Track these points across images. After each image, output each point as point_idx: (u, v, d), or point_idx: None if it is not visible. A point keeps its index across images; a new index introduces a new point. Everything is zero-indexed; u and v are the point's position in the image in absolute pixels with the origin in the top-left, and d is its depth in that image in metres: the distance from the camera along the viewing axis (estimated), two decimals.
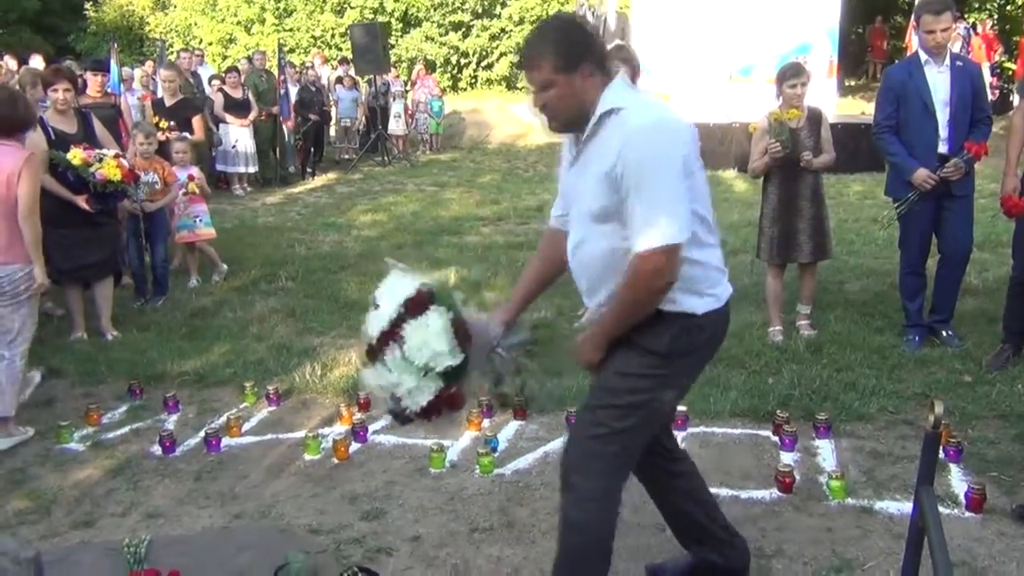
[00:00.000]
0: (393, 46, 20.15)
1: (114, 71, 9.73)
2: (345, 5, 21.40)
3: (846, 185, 10.26)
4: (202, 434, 4.17)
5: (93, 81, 7.19)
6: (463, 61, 21.52)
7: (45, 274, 4.30)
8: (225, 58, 20.82)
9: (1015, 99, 13.38)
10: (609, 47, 5.71)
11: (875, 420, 4.10)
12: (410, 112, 15.88)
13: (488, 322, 2.55)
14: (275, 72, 12.69)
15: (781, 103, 5.00)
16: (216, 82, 11.80)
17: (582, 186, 2.42)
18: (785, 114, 4.92)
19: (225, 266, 7.13)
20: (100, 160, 5.42)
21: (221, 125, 11.28)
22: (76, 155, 5.33)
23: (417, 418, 2.47)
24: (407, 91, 16.31)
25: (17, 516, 3.54)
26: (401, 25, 21.50)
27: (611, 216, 2.33)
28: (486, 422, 4.24)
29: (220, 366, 5.12)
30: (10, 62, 11.06)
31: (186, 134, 7.73)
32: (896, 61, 9.09)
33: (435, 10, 21.14)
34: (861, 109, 14.30)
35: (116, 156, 5.55)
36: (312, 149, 13.45)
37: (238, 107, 11.32)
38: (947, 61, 4.79)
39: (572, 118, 2.42)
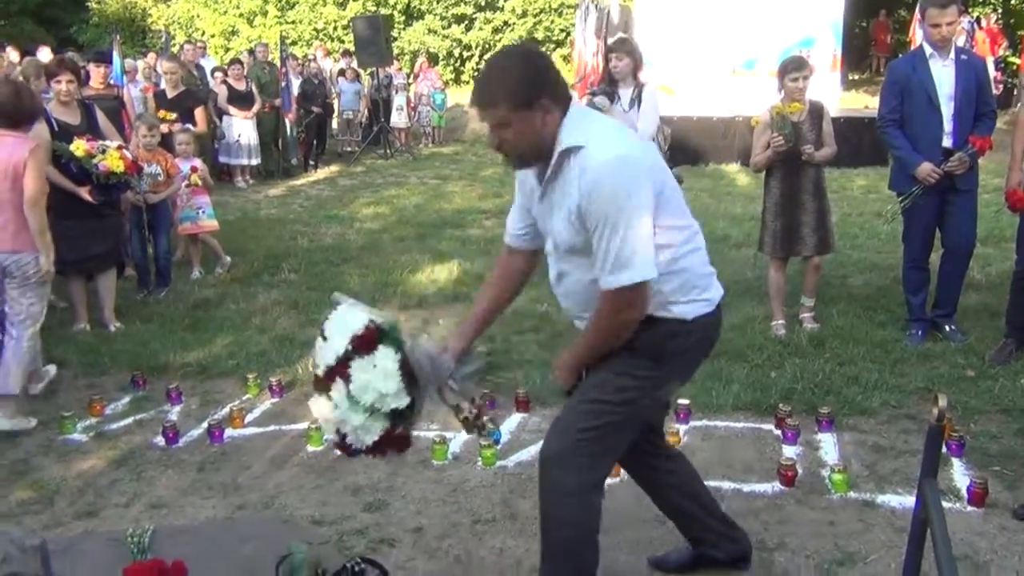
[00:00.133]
0: (396, 39, 20.12)
1: (117, 63, 9.73)
2: None
3: (849, 179, 10.24)
4: (205, 425, 4.18)
5: (96, 73, 7.19)
6: (466, 54, 21.48)
7: (51, 262, 4.36)
8: (228, 50, 20.81)
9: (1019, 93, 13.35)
10: (612, 40, 5.72)
11: (877, 414, 4.10)
12: (412, 105, 15.85)
13: (440, 355, 2.49)
14: (278, 64, 12.68)
15: (783, 97, 4.99)
16: (219, 74, 11.78)
17: (552, 223, 2.40)
18: (787, 108, 4.91)
19: (228, 258, 7.14)
20: (103, 152, 5.42)
21: (224, 117, 11.27)
22: (79, 146, 5.33)
23: (363, 454, 2.44)
24: (409, 84, 16.27)
25: (20, 506, 3.55)
26: (404, 18, 21.47)
27: (585, 250, 2.32)
28: (488, 414, 4.24)
29: (223, 358, 5.13)
30: (12, 54, 11.05)
31: (189, 126, 7.73)
32: (900, 55, 9.07)
33: (438, 3, 21.12)
34: (865, 103, 14.29)
35: (119, 148, 5.54)
36: (315, 142, 13.44)
37: (241, 99, 11.31)
38: (952, 55, 4.78)
39: (531, 156, 2.37)
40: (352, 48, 15.34)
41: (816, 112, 5.00)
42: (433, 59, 19.73)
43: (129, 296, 6.31)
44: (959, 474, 3.53)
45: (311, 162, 13.17)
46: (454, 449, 3.90)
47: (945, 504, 3.04)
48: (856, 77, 18.95)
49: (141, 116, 7.09)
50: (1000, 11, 17.30)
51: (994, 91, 8.46)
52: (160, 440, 4.09)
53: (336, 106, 14.84)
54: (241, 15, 22.07)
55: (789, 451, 3.75)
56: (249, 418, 4.33)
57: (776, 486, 3.48)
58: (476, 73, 21.37)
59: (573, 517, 2.42)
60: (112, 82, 8.00)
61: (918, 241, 4.99)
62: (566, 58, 19.81)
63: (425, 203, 10.05)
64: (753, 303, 5.63)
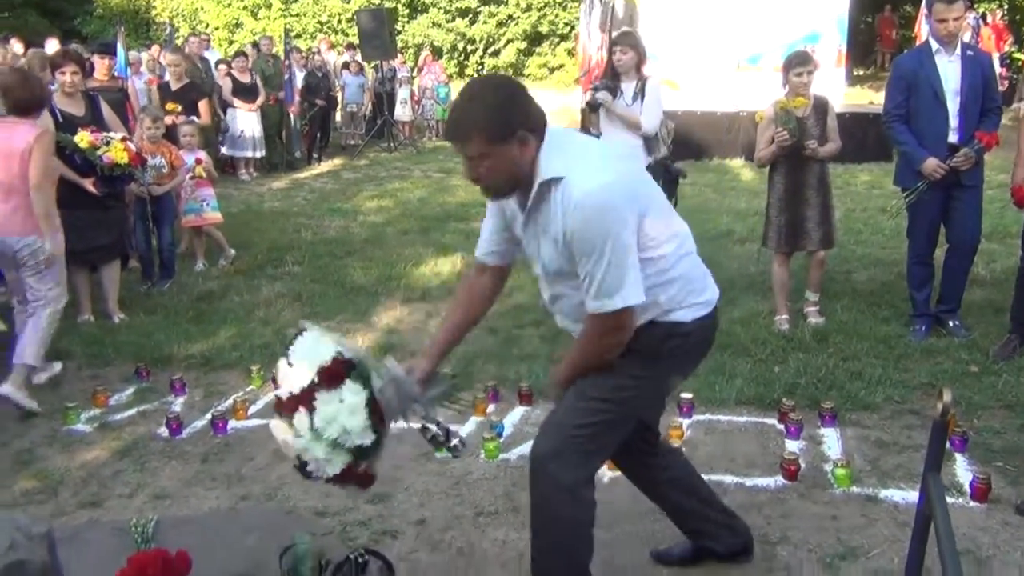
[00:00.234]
0: (400, 32, 20.12)
1: (121, 55, 9.72)
2: None
3: (854, 175, 10.22)
4: (209, 416, 4.19)
5: (100, 64, 7.18)
6: (470, 48, 21.48)
7: (55, 245, 4.46)
8: (231, 43, 20.81)
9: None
10: (616, 33, 5.71)
11: (881, 409, 4.10)
12: (416, 98, 15.85)
13: (406, 379, 2.46)
14: (282, 57, 12.67)
15: (787, 91, 4.98)
16: (222, 67, 11.77)
17: (539, 249, 2.40)
18: (791, 102, 4.90)
19: (232, 251, 7.14)
20: (107, 143, 5.42)
21: (229, 110, 11.27)
22: (83, 138, 5.33)
23: (325, 482, 2.41)
24: (413, 77, 16.27)
25: (25, 496, 3.57)
26: (408, 11, 21.46)
27: (575, 274, 2.32)
28: (491, 407, 4.25)
29: (227, 349, 5.14)
30: (16, 45, 11.05)
31: (194, 118, 7.72)
32: (905, 51, 9.04)
33: None
34: (869, 99, 14.25)
35: (123, 139, 5.55)
36: (318, 135, 13.44)
37: (246, 92, 11.31)
38: (958, 50, 4.77)
39: (509, 188, 2.35)
40: (356, 41, 15.32)
41: (821, 107, 4.98)
42: (437, 52, 19.73)
43: (133, 288, 6.32)
44: (962, 469, 3.53)
45: (315, 155, 13.17)
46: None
47: (948, 499, 3.04)
48: (861, 73, 18.90)
49: (145, 108, 7.08)
50: (1006, 7, 17.25)
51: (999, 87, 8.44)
52: (164, 431, 4.10)
53: (340, 99, 14.83)
54: (245, 7, 22.07)
55: (792, 445, 3.75)
56: (252, 410, 4.33)
57: (779, 480, 3.48)
58: (479, 67, 21.39)
59: (567, 513, 2.40)
60: (116, 74, 7.99)
61: (923, 237, 4.98)
62: (571, 52, 19.81)
63: (429, 196, 10.05)
64: (757, 298, 5.63)
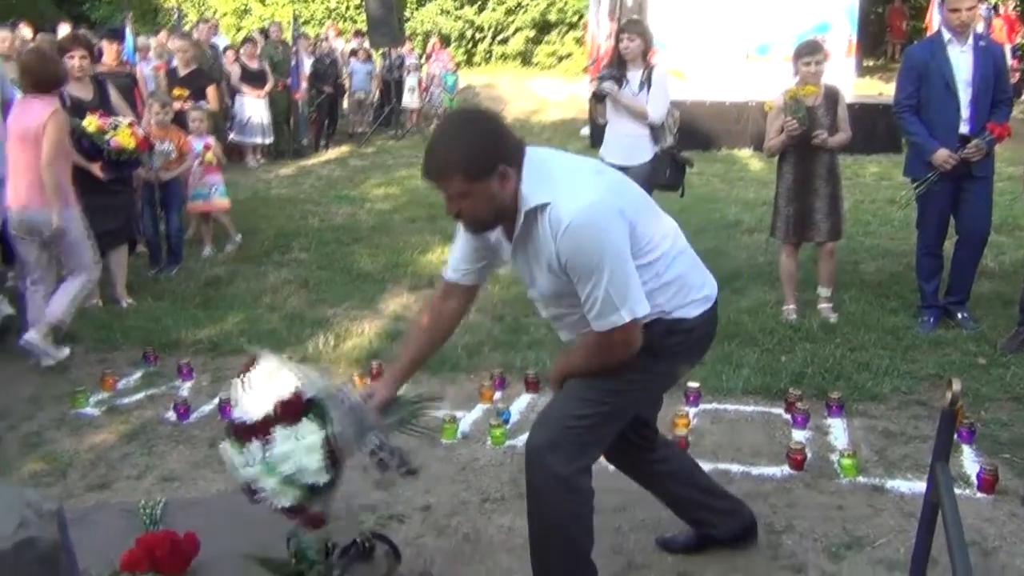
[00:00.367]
0: (408, 19, 20.07)
1: (129, 40, 9.72)
2: None
3: (863, 166, 10.18)
4: (216, 401, 4.20)
5: (109, 49, 7.18)
6: (478, 35, 21.41)
7: (61, 219, 4.58)
8: (239, 29, 20.77)
9: None
10: (624, 21, 5.68)
11: (888, 400, 4.09)
12: (424, 86, 15.81)
13: (365, 409, 2.45)
14: (290, 44, 12.64)
15: (798, 81, 4.95)
16: (231, 53, 11.76)
17: (533, 276, 2.39)
18: (801, 91, 4.87)
19: (239, 236, 7.15)
20: (115, 128, 5.42)
21: (237, 96, 11.26)
22: (91, 122, 5.33)
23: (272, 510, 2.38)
24: (421, 65, 16.22)
25: (33, 478, 3.58)
26: None
27: (572, 295, 2.31)
28: (498, 394, 4.26)
29: (234, 335, 5.15)
30: (25, 30, 11.05)
31: (203, 103, 7.72)
32: (915, 42, 8.98)
33: None
34: (879, 90, 14.20)
35: (131, 124, 5.55)
36: (326, 122, 13.42)
37: (254, 78, 11.29)
38: (970, 41, 4.74)
39: (492, 222, 2.32)
40: (364, 28, 15.28)
41: (831, 97, 4.95)
42: (445, 40, 19.66)
43: (141, 273, 6.34)
44: (969, 461, 3.52)
45: (322, 142, 13.16)
46: (464, 428, 3.91)
47: (955, 490, 3.04)
48: (871, 64, 18.80)
49: (154, 94, 7.09)
50: None
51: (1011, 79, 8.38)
52: (171, 415, 4.12)
53: (347, 87, 14.80)
54: None
55: (798, 435, 3.75)
56: None
57: (785, 470, 3.48)
58: (487, 55, 21.33)
59: (564, 505, 2.39)
60: (125, 59, 7.99)
61: (932, 228, 4.96)
62: (579, 41, 19.73)
63: None
64: (764, 288, 5.62)
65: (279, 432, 2.27)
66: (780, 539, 3.00)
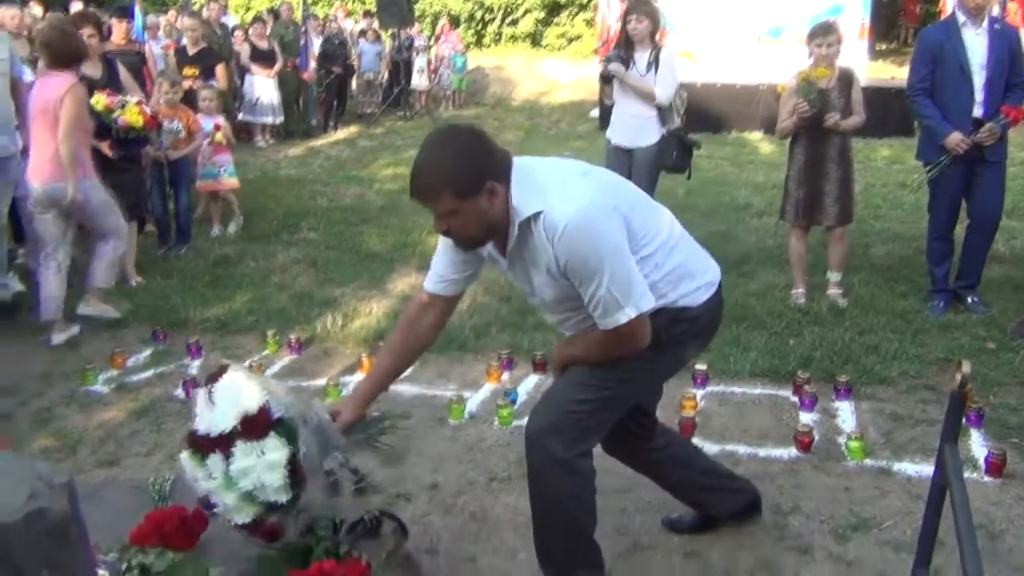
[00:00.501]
0: (417, 0, 19.95)
1: (138, 19, 9.72)
2: None
3: (874, 150, 10.12)
4: None
5: (118, 28, 7.17)
6: (487, 16, 21.30)
7: (77, 189, 4.64)
8: (248, 9, 20.71)
9: None
10: (632, 2, 5.63)
11: (896, 384, 4.08)
12: (433, 67, 15.76)
13: (331, 430, 2.42)
14: (300, 23, 12.61)
15: (812, 63, 4.91)
16: (239, 33, 11.73)
17: (534, 284, 2.37)
18: (813, 73, 4.83)
19: (242, 217, 7.13)
20: (123, 106, 5.43)
21: (247, 76, 11.24)
22: (99, 100, 5.33)
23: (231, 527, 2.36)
24: (430, 46, 16.17)
25: (43, 454, 3.61)
26: None
27: (575, 298, 2.30)
28: (506, 375, 4.27)
29: (242, 314, 5.16)
30: (35, 8, 11.04)
31: (213, 82, 7.72)
32: (928, 25, 8.88)
33: None
34: (892, 73, 14.06)
35: (139, 103, 5.55)
36: (335, 102, 13.40)
37: (264, 58, 11.28)
38: (985, 23, 4.69)
39: (483, 238, 2.31)
40: (373, 9, 15.21)
41: (845, 80, 4.90)
42: (455, 21, 19.57)
43: (150, 252, 6.36)
44: (977, 445, 3.51)
45: (331, 123, 13.15)
46: (471, 408, 3.92)
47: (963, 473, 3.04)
48: (884, 47, 18.64)
49: (164, 72, 7.08)
50: None
51: None
52: (180, 393, 4.14)
53: (357, 67, 14.77)
54: None
55: (806, 418, 3.74)
56: (268, 373, 4.36)
57: (792, 452, 3.48)
58: (496, 36, 21.21)
59: (565, 487, 2.39)
60: (134, 38, 7.99)
61: (944, 212, 4.93)
62: (589, 23, 19.62)
63: None
64: (774, 271, 5.60)
65: (241, 446, 2.24)
66: (786, 520, 3.00)
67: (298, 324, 4.96)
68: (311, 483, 2.32)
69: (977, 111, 4.68)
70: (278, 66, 11.41)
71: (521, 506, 3.11)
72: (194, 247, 6.53)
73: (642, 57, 5.41)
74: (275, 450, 2.23)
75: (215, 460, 2.27)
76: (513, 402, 3.90)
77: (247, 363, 4.42)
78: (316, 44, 12.83)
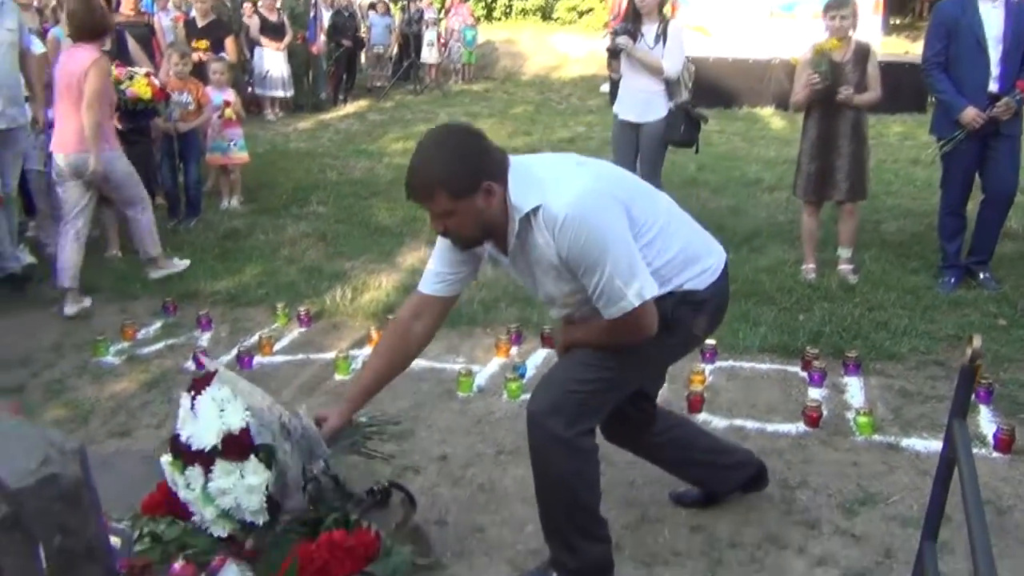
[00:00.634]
0: None
1: None
2: None
3: (887, 125, 10.04)
4: (235, 352, 4.24)
5: None
6: None
7: (99, 161, 4.74)
8: None
9: None
10: None
11: (906, 360, 4.07)
12: (443, 40, 15.66)
13: (315, 438, 2.42)
14: None
15: (827, 36, 4.86)
16: (247, 5, 11.67)
17: (537, 280, 2.36)
18: (826, 45, 4.78)
19: (242, 196, 7.08)
20: (131, 78, 5.42)
21: (256, 49, 11.20)
22: None
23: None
24: (440, 19, 16.07)
25: (56, 424, 3.63)
26: None
27: (581, 290, 2.29)
28: (514, 349, 4.27)
29: (252, 287, 5.18)
30: None
31: (224, 55, 7.69)
32: None
33: None
34: (906, 48, 13.93)
35: (147, 75, 5.54)
36: (344, 76, 13.34)
37: (274, 31, 11.22)
38: None
39: (481, 237, 2.30)
40: None
41: (861, 54, 4.85)
42: None
43: (160, 225, 6.33)
44: (986, 421, 3.51)
45: (340, 96, 13.10)
46: (479, 382, 3.93)
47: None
48: (897, 22, 18.44)
49: (173, 44, 7.05)
50: None
51: None
52: (191, 365, 4.15)
53: (366, 40, 14.69)
54: None
55: (815, 393, 3.74)
56: (278, 346, 4.38)
57: (800, 427, 3.48)
58: (507, 10, 21.03)
59: (567, 465, 2.38)
60: (143, 9, 7.95)
61: (957, 187, 4.89)
62: None
63: None
64: (784, 247, 5.58)
65: (222, 465, 2.25)
66: (794, 494, 3.01)
67: (307, 297, 4.97)
68: (291, 498, 2.33)
69: (993, 86, 4.63)
70: (288, 39, 11.36)
71: (529, 478, 3.10)
72: (204, 220, 6.54)
73: (650, 30, 5.36)
74: (255, 474, 2.24)
75: (194, 473, 2.29)
76: (522, 376, 3.90)
77: (256, 336, 4.44)
78: (326, 17, 12.76)
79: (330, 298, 4.94)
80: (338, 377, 4.01)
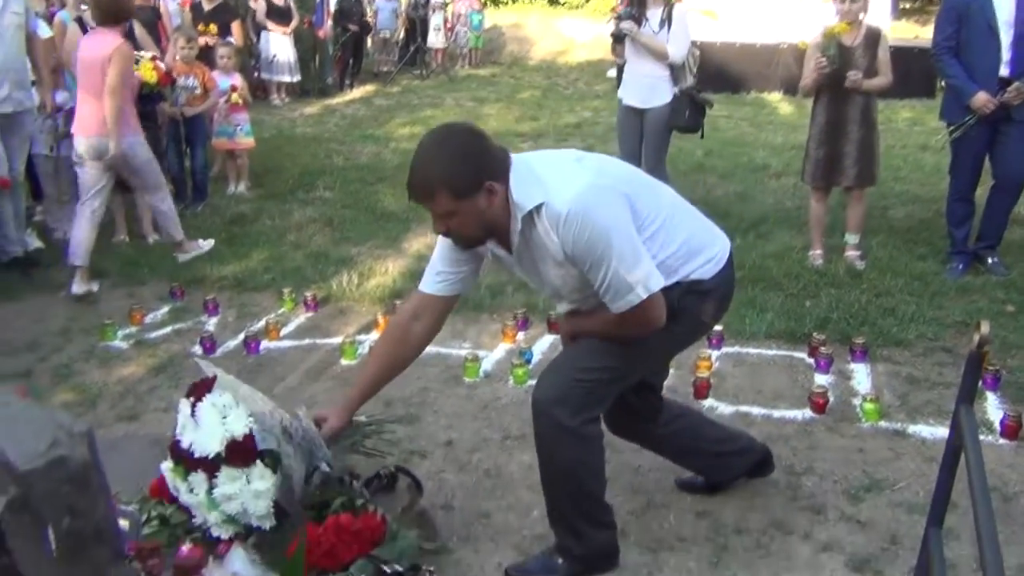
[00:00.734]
0: None
1: None
2: None
3: (895, 111, 9.99)
4: (242, 336, 4.25)
5: None
6: None
7: (119, 146, 4.78)
8: None
9: None
10: None
11: (913, 346, 4.06)
12: (450, 25, 15.60)
13: (316, 440, 2.42)
14: None
15: (837, 20, 4.82)
16: None
17: (542, 277, 2.36)
18: (835, 28, 4.74)
19: (248, 182, 7.08)
20: (136, 62, 5.40)
21: (262, 33, 11.17)
22: None
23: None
24: (447, 3, 15.98)
25: (64, 408, 3.64)
26: None
27: (587, 285, 2.28)
28: (521, 335, 4.27)
29: (259, 272, 5.19)
30: None
31: (231, 39, 7.67)
32: None
33: None
34: (915, 33, 13.83)
35: (153, 59, 5.54)
36: (351, 60, 13.30)
37: (280, 15, 11.18)
38: None
39: (484, 237, 2.29)
40: None
41: (872, 39, 4.81)
42: None
43: None
44: (993, 407, 3.50)
45: (347, 81, 13.06)
46: (486, 367, 3.93)
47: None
48: (907, 5, 18.28)
49: (180, 28, 7.04)
50: None
51: None
52: (198, 349, 4.17)
53: (373, 25, 14.64)
54: None
55: (821, 379, 3.73)
56: (284, 331, 4.39)
57: (806, 413, 3.47)
58: None
59: (572, 453, 2.39)
60: None
61: (967, 172, 4.87)
62: None
63: None
64: (791, 232, 5.56)
65: (227, 472, 2.24)
66: (800, 480, 3.01)
67: (314, 282, 4.97)
68: (296, 502, 2.32)
69: (1004, 70, 4.60)
70: (294, 23, 11.32)
71: (535, 464, 3.10)
72: (210, 205, 6.54)
73: (655, 14, 5.32)
74: (262, 479, 2.24)
75: (198, 479, 2.28)
76: (528, 361, 3.90)
77: (263, 321, 4.44)
78: (332, 1, 12.71)
79: (336, 283, 4.95)
80: (344, 362, 4.02)
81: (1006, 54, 4.58)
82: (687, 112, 5.42)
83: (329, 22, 12.40)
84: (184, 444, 2.32)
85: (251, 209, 6.49)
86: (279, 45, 11.25)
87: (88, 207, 4.90)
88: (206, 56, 6.93)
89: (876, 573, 2.55)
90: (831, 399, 3.52)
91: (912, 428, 3.35)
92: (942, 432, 3.12)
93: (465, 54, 15.97)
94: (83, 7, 5.82)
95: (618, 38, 5.52)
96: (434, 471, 3.10)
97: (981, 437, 3.19)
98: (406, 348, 2.57)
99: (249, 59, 10.77)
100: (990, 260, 4.89)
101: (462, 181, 2.16)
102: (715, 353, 3.98)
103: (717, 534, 2.73)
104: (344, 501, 2.48)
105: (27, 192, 5.77)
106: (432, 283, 2.51)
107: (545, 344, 4.18)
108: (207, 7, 8.31)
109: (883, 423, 3.39)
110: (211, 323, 4.52)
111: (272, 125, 9.90)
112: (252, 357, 4.11)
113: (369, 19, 14.28)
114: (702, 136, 5.74)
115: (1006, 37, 4.57)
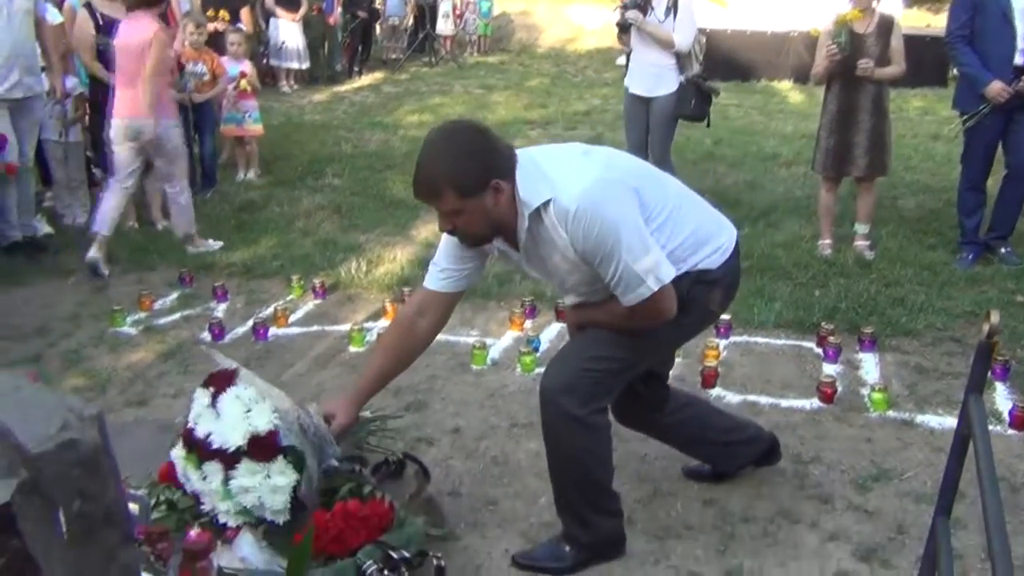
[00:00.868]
0: None
1: None
2: None
3: (907, 100, 9.93)
4: (250, 323, 4.26)
5: None
6: None
7: (154, 131, 4.90)
8: None
9: None
10: None
11: (922, 336, 4.05)
12: (458, 12, 15.54)
13: (326, 436, 2.41)
14: None
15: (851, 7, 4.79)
16: None
17: (551, 273, 2.35)
18: (847, 15, 4.71)
19: (259, 169, 7.08)
20: None
21: (271, 20, 11.15)
22: None
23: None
24: None
25: (73, 393, 3.67)
26: None
27: (597, 279, 2.28)
28: (528, 323, 4.27)
29: (267, 259, 5.19)
30: None
31: (241, 25, 7.66)
32: None
33: None
34: (927, 21, 13.73)
35: None
36: (359, 48, 13.27)
37: (289, 1, 11.15)
38: None
39: (490, 235, 2.28)
40: None
41: (885, 27, 4.77)
42: None
43: None
44: (1002, 398, 3.49)
45: (355, 68, 13.04)
46: (493, 355, 3.94)
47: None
48: None
49: (189, 14, 7.02)
50: None
51: None
52: (207, 336, 4.18)
53: (382, 12, 14.59)
54: None
55: (829, 369, 3.73)
56: (293, 318, 4.40)
57: (814, 402, 3.47)
58: None
59: (579, 443, 2.39)
60: None
61: (979, 161, 4.84)
62: None
63: (469, 112, 9.92)
64: (801, 222, 5.55)
65: (247, 465, 2.23)
66: (807, 469, 3.01)
67: (322, 269, 4.98)
68: (310, 496, 2.32)
69: (1019, 59, 4.58)
70: (303, 10, 11.29)
71: (542, 452, 3.10)
72: (219, 192, 6.55)
73: (660, 3, 5.29)
74: (282, 475, 2.23)
75: (213, 468, 2.27)
76: (535, 349, 3.91)
77: (272, 307, 4.45)
78: None
79: (345, 270, 4.95)
80: (352, 349, 4.03)
81: (1021, 42, 4.56)
82: (693, 100, 5.40)
83: (338, 9, 12.36)
84: (200, 433, 2.32)
85: (260, 196, 6.50)
86: (288, 32, 11.23)
87: (121, 184, 5.03)
88: (215, 42, 6.91)
89: (883, 562, 2.55)
90: (839, 388, 3.51)
91: (920, 418, 3.35)
92: (950, 422, 3.11)
93: (474, 41, 15.92)
94: None
95: (624, 27, 5.49)
96: (441, 458, 3.11)
97: (990, 427, 3.19)
98: (412, 343, 2.58)
99: (258, 46, 10.75)
100: (1002, 250, 4.87)
101: (468, 180, 2.15)
102: (723, 342, 3.98)
103: (724, 522, 2.74)
104: (352, 487, 2.49)
105: (37, 178, 5.78)
106: (436, 280, 2.50)
107: (552, 332, 4.19)
108: None
109: (891, 413, 3.39)
110: (220, 309, 4.53)
111: (281, 112, 9.89)
112: (260, 344, 4.12)
113: (378, 6, 14.24)
114: (708, 125, 5.72)
115: (1021, 25, 4.54)
